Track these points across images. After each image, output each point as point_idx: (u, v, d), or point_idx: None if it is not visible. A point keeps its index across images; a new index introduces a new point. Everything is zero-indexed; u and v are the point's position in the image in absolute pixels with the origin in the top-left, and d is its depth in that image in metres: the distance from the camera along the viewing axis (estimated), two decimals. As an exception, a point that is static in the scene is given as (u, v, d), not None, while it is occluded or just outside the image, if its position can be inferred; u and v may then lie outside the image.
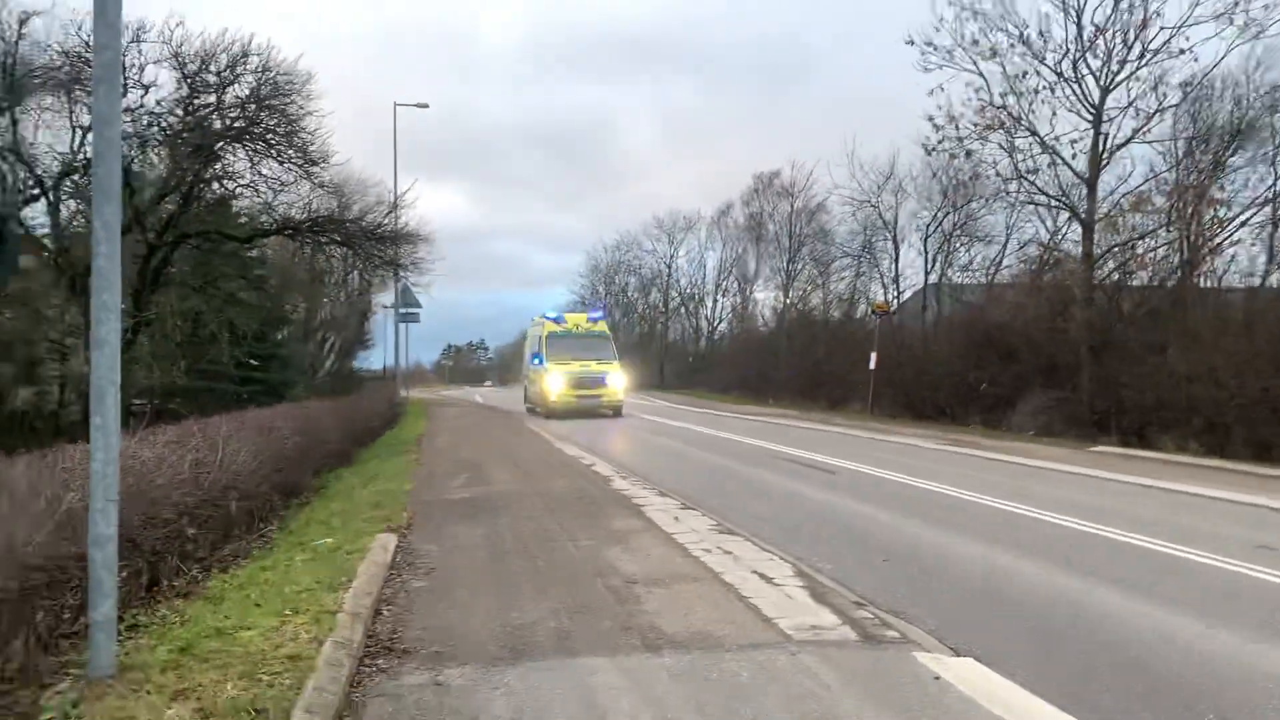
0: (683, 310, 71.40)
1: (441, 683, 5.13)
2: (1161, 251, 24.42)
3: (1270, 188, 23.25)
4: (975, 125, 25.18)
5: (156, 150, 22.37)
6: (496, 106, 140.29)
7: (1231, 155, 23.38)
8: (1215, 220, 23.29)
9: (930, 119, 25.73)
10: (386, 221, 26.73)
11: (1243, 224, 23.55)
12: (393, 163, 51.37)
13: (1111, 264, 25.00)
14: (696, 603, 6.72)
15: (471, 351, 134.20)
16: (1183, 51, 22.31)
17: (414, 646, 5.78)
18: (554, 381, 29.11)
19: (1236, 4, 21.29)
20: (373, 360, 57.57)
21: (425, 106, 38.08)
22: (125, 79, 19.70)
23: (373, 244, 25.78)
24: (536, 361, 31.00)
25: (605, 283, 75.82)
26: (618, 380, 29.97)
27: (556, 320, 32.05)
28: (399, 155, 37.83)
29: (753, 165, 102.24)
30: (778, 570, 7.75)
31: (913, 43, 24.89)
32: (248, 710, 4.40)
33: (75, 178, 21.37)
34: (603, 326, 33.16)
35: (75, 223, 21.97)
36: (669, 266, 70.30)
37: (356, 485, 13.17)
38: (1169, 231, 23.94)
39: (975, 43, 24.29)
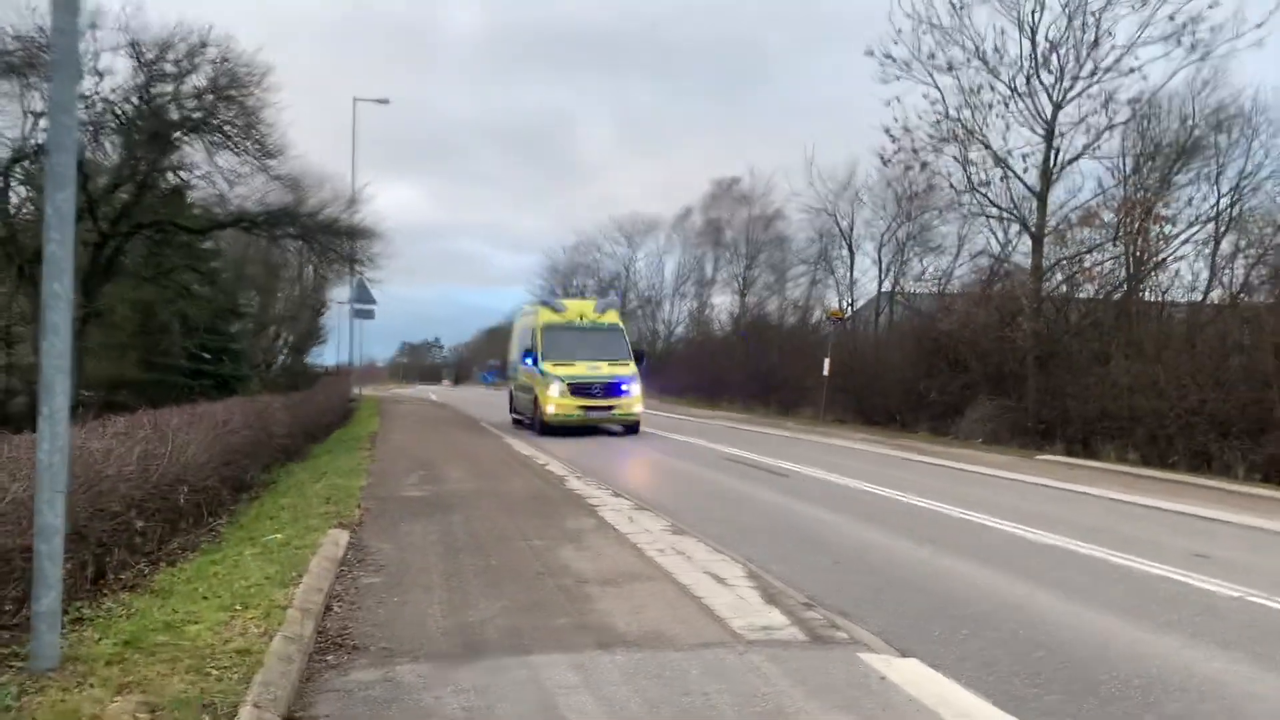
0: (639, 313, 71.47)
1: (392, 679, 5.13)
2: (1108, 265, 24.93)
3: (1213, 206, 23.87)
4: (931, 137, 25.50)
5: (111, 138, 22.00)
6: (457, 102, 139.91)
7: (1177, 173, 23.96)
8: (1160, 236, 23.83)
9: (887, 130, 26.01)
10: (343, 216, 26.53)
11: (1186, 240, 24.16)
12: (351, 157, 51.14)
13: (1059, 276, 25.45)
14: (649, 602, 6.78)
15: (427, 349, 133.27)
16: (1132, 70, 22.79)
17: (365, 643, 5.77)
18: (551, 388, 22.30)
19: (1185, 26, 21.79)
20: (326, 356, 57.03)
21: (385, 102, 37.86)
22: (81, 65, 19.36)
23: (329, 238, 25.56)
24: (529, 361, 23.60)
25: (563, 284, 75.68)
26: (635, 387, 23.03)
27: (555, 308, 24.73)
28: (358, 150, 37.52)
29: (712, 170, 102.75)
30: (729, 571, 7.83)
31: (872, 54, 25.13)
32: (195, 704, 4.37)
33: (26, 164, 20.94)
34: (614, 317, 25.48)
35: (25, 210, 21.53)
36: (627, 269, 70.38)
37: (308, 480, 13.06)
38: (1116, 246, 24.44)
39: (932, 56, 24.59)
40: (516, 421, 26.03)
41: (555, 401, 22.27)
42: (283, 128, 23.31)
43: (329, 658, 5.48)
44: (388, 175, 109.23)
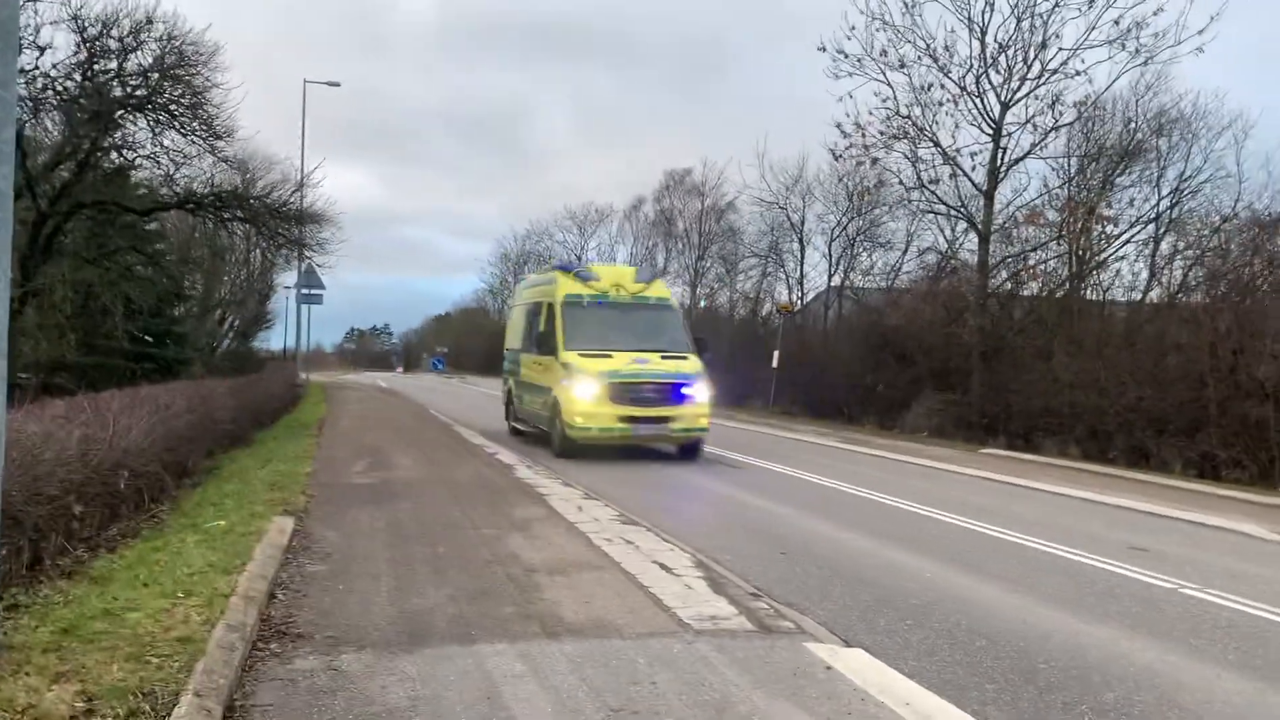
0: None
1: (336, 668, 5.08)
2: (1052, 263, 25.41)
3: (1154, 207, 24.40)
4: (881, 134, 25.76)
5: (51, 115, 21.43)
6: (410, 87, 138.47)
7: (1119, 174, 24.44)
8: (1102, 236, 24.34)
9: (838, 126, 26.22)
10: (292, 200, 26.12)
11: (1127, 241, 24.70)
12: (300, 140, 50.43)
13: (1004, 273, 25.89)
14: (597, 591, 6.79)
15: (375, 336, 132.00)
16: (1078, 73, 23.27)
17: (309, 631, 5.71)
18: (580, 390, 15.56)
19: (1128, 31, 22.30)
20: (273, 341, 56.36)
21: (336, 85, 37.33)
22: (20, 39, 18.83)
23: (277, 222, 25.13)
24: (543, 350, 17.00)
25: (514, 272, 75.36)
26: (702, 391, 16.17)
27: (580, 275, 17.76)
28: (308, 133, 36.99)
29: (667, 161, 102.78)
30: (678, 560, 7.87)
31: (825, 50, 25.30)
32: (134, 693, 4.30)
33: (-40, 139, 20.34)
34: (662, 289, 18.38)
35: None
36: (579, 258, 70.20)
37: (253, 467, 12.88)
38: (1059, 245, 24.90)
39: (884, 53, 24.83)
40: (516, 431, 19.61)
41: (586, 410, 15.52)
42: (231, 108, 22.78)
43: (273, 646, 5.41)
44: (338, 160, 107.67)
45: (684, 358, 16.55)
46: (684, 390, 15.92)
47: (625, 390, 15.51)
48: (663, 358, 16.28)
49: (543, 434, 17.36)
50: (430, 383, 53.80)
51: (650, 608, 6.41)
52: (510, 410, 20.22)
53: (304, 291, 35.50)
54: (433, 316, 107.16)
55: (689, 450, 16.46)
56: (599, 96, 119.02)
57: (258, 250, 38.74)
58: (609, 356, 15.87)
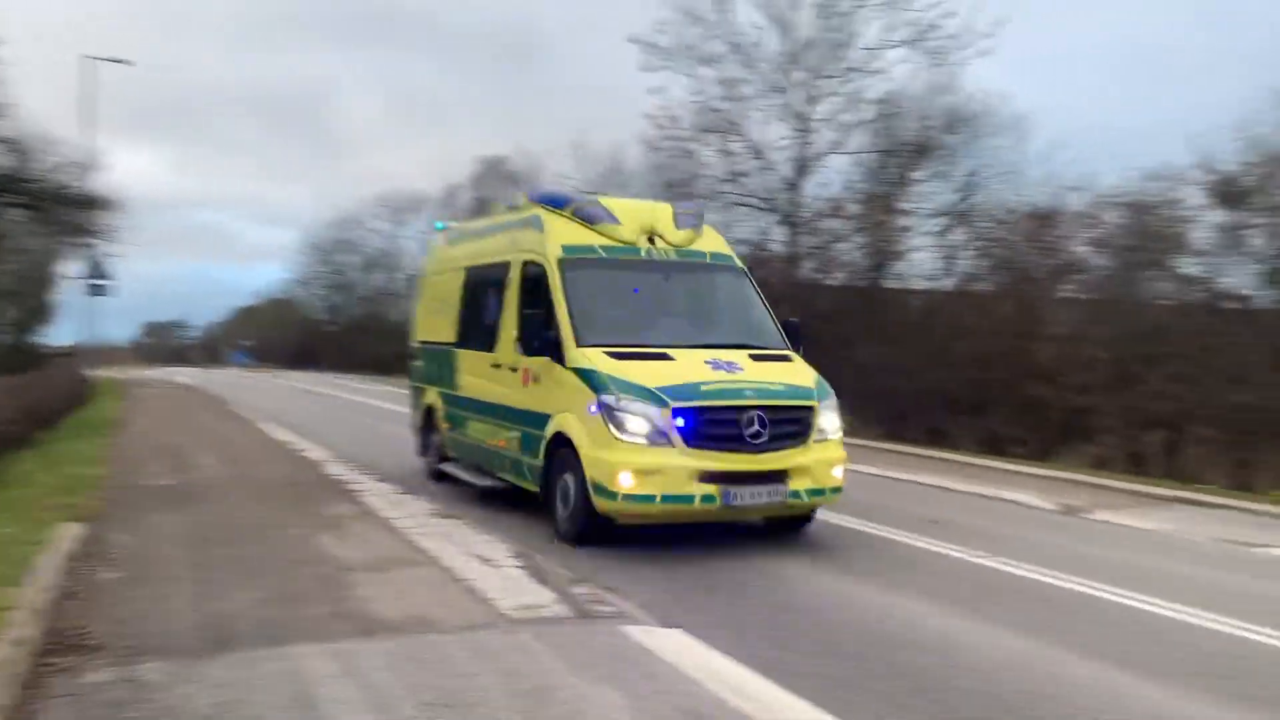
0: (410, 292, 69.54)
1: (133, 679, 4.82)
2: (854, 254, 26.58)
3: (946, 201, 25.93)
4: (694, 127, 26.24)
5: None
6: (209, 67, 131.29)
7: (915, 170, 25.83)
8: (900, 228, 25.66)
9: (653, 118, 26.52)
10: (76, 184, 24.35)
11: (923, 232, 26.13)
12: (77, 118, 46.80)
13: (811, 264, 26.90)
14: (413, 587, 6.69)
15: (174, 329, 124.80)
16: (878, 72, 24.43)
17: (104, 642, 5.38)
18: (628, 423, 8.04)
19: (923, 34, 23.56)
20: (59, 336, 52.35)
21: (123, 62, 34.87)
22: None
23: (59, 208, 23.41)
24: (535, 344, 9.11)
25: (324, 261, 72.69)
26: (830, 419, 8.90)
27: (584, 214, 9.70)
28: (97, 113, 34.54)
29: (482, 148, 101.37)
30: (497, 552, 7.83)
31: (636, 42, 25.53)
32: (-102, 721, 3.95)
33: None
34: (717, 241, 10.88)
35: None
36: (397, 246, 68.37)
37: (38, 470, 11.97)
38: (861, 236, 26.09)
39: (694, 48, 25.29)
40: (443, 477, 11.96)
41: (638, 461, 8.07)
42: (7, 84, 21.08)
43: (61, 660, 5.06)
44: (132, 142, 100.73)
45: (785, 357, 9.81)
46: (801, 415, 8.73)
47: (713, 422, 8.23)
48: (752, 358, 9.19)
49: (510, 489, 10.37)
50: (235, 378, 51.33)
51: (469, 600, 6.37)
52: (430, 440, 12.61)
53: (91, 282, 33.15)
54: (238, 308, 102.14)
55: (805, 519, 9.39)
56: (410, 81, 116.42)
57: (38, 238, 35.87)
58: (666, 358, 8.69)
